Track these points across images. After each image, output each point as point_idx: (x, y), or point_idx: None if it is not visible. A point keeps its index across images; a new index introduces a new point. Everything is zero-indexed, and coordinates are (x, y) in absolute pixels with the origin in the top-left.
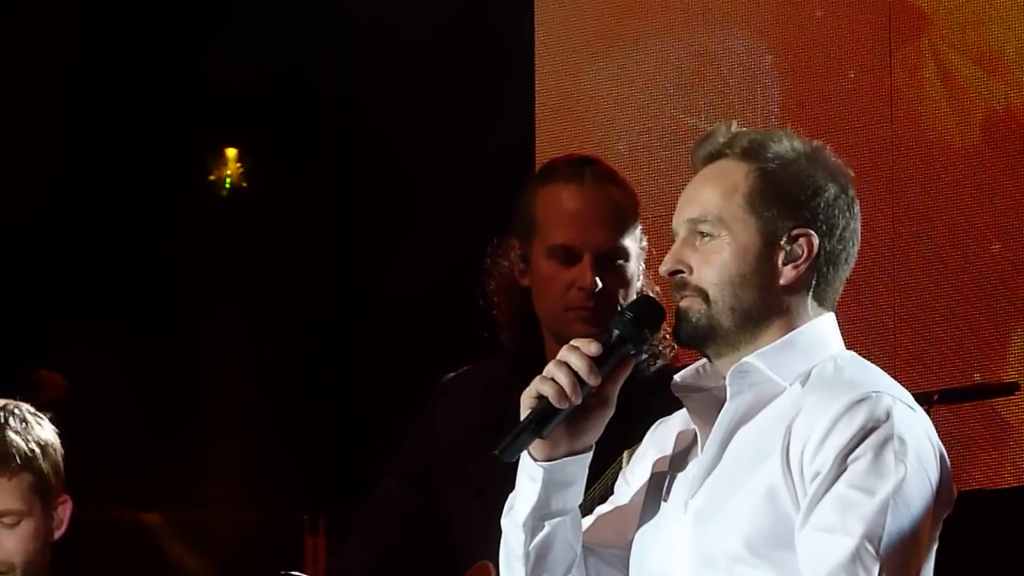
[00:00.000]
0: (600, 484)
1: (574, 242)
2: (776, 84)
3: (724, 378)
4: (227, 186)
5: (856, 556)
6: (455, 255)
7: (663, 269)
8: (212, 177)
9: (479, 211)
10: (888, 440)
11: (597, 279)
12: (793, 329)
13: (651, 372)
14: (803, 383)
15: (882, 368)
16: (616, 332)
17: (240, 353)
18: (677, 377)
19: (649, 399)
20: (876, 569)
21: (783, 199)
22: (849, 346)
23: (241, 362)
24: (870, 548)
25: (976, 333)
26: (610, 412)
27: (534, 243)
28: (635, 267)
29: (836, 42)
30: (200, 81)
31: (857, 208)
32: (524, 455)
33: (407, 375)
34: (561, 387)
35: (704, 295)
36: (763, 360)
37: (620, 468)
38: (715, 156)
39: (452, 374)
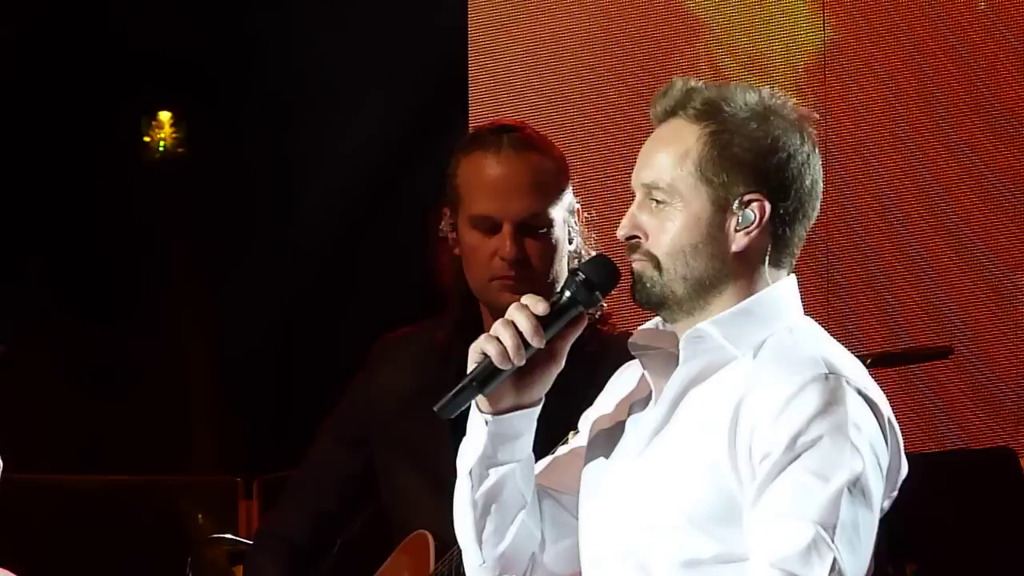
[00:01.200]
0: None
1: (494, 212)
2: (710, 74)
3: (680, 339)
4: (160, 149)
5: (811, 543)
6: (394, 223)
7: (620, 234)
8: (146, 139)
9: (419, 179)
10: (843, 426)
11: (517, 248)
12: (749, 294)
13: (593, 341)
14: (756, 354)
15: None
16: (567, 293)
17: (174, 318)
18: (635, 334)
19: (593, 370)
20: (831, 557)
21: (733, 164)
22: None
23: (175, 327)
24: (825, 535)
25: (909, 297)
26: (558, 367)
27: (459, 213)
28: (561, 234)
29: (769, 36)
30: (132, 44)
31: (815, 160)
32: (472, 404)
33: (343, 338)
34: (505, 348)
35: (656, 262)
36: (717, 327)
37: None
38: (670, 113)
39: (392, 335)
